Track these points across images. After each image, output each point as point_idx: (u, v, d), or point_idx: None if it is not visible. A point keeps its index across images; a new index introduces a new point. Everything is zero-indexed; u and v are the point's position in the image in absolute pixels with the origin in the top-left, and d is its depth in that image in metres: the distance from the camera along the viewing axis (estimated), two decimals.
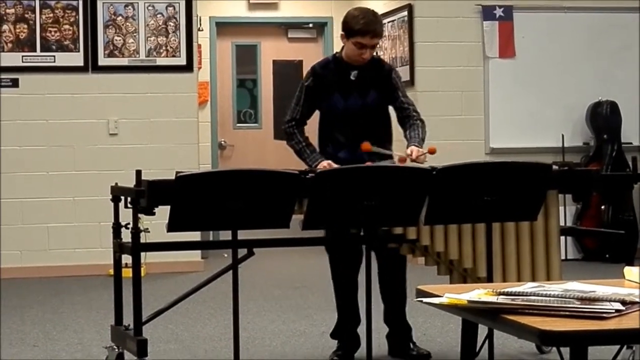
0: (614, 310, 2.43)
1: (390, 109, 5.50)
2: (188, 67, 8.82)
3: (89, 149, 8.69)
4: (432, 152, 5.17)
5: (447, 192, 4.44)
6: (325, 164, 5.23)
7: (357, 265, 5.39)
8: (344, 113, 5.36)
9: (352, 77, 5.35)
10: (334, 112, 5.38)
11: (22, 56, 8.59)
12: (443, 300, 2.62)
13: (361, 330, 5.25)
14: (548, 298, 2.52)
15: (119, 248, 4.91)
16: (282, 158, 10.91)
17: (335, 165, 5.19)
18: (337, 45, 10.95)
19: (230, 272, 4.52)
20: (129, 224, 4.77)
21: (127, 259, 4.89)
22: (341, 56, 5.42)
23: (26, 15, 8.60)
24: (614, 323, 2.39)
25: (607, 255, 9.12)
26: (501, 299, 2.55)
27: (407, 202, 4.39)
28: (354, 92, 5.35)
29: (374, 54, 5.40)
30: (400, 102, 5.42)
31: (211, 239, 9.24)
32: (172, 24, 8.78)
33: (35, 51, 8.61)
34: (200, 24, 9.95)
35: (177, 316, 6.38)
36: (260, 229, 4.38)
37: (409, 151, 5.22)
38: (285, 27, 11.28)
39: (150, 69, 8.77)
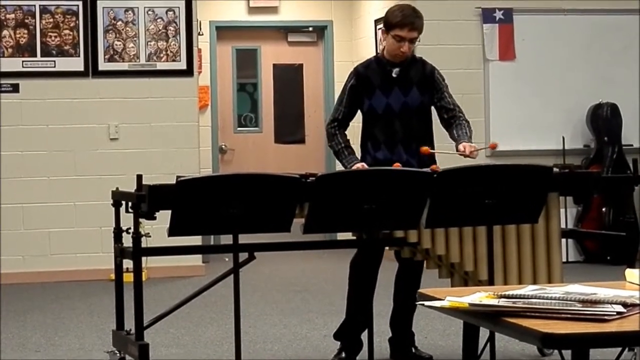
0: (615, 313, 2.43)
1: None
2: (188, 72, 8.82)
3: (89, 153, 8.69)
4: (493, 147, 5.18)
5: (448, 195, 4.44)
6: (359, 166, 5.24)
7: (378, 262, 5.38)
8: (385, 110, 5.36)
9: (393, 75, 5.37)
10: (375, 110, 5.38)
11: (23, 61, 8.60)
12: (444, 303, 2.61)
13: (363, 333, 5.24)
14: (549, 301, 2.52)
15: (120, 253, 4.91)
16: (282, 162, 10.93)
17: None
18: (338, 48, 11.03)
19: (232, 276, 4.52)
20: (130, 228, 4.77)
21: (128, 263, 4.90)
22: (382, 55, 5.45)
23: (26, 21, 8.60)
24: (616, 325, 2.39)
25: (608, 258, 9.12)
26: (502, 302, 2.54)
27: (407, 205, 4.39)
28: (395, 89, 5.37)
29: (415, 53, 5.41)
30: (447, 102, 5.43)
31: (212, 243, 9.26)
32: (172, 28, 8.78)
33: (35, 56, 8.61)
34: (201, 28, 9.94)
35: (178, 320, 6.38)
36: (261, 233, 4.38)
37: (461, 147, 5.23)
38: (285, 31, 11.27)
39: (150, 74, 8.78)
